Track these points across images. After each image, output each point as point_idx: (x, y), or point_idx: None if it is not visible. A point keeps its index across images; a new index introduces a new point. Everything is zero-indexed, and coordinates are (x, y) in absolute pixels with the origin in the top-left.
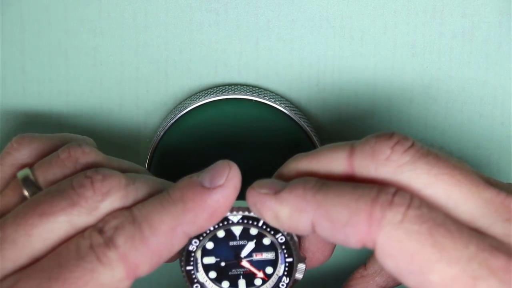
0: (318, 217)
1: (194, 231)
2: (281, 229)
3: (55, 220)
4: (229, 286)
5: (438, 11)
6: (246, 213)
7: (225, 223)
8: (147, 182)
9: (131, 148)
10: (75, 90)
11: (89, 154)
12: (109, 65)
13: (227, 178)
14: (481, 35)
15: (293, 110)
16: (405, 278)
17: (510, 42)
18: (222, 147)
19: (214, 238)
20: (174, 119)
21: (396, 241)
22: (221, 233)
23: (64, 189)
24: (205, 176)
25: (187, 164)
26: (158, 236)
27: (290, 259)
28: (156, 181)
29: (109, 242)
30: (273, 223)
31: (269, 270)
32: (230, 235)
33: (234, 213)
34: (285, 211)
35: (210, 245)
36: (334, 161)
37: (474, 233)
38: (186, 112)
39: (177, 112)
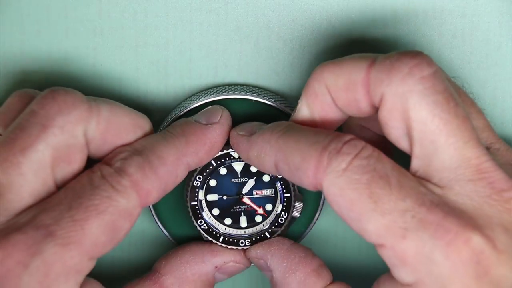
0: (278, 160)
1: (196, 163)
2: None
3: (36, 150)
4: (231, 222)
5: (438, 11)
6: None
7: (227, 159)
8: (106, 100)
9: None
10: (75, 90)
11: (38, 93)
12: (109, 65)
13: (221, 117)
14: (481, 35)
15: (293, 110)
16: (348, 223)
17: (510, 42)
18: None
19: (217, 176)
20: (174, 119)
21: (337, 188)
22: (223, 171)
23: (28, 119)
24: (200, 117)
25: None
26: (166, 166)
27: (288, 195)
28: (116, 102)
29: (120, 171)
30: (246, 161)
31: (268, 207)
32: (232, 172)
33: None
34: (253, 152)
35: (213, 183)
36: (354, 69)
37: (418, 189)
38: (186, 112)
39: (177, 112)
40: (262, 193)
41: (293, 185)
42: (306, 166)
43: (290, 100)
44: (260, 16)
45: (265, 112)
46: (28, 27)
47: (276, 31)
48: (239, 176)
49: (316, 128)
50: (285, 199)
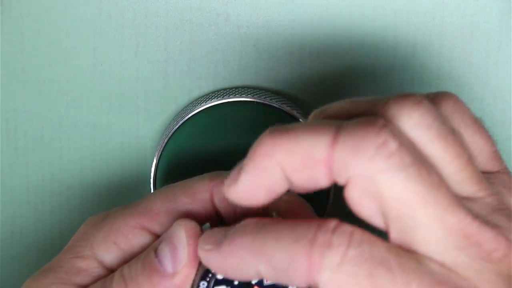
0: (260, 265)
1: None
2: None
3: None
4: None
5: (438, 11)
6: None
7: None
8: None
9: (131, 148)
10: (75, 90)
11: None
12: (109, 65)
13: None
14: (481, 35)
15: (294, 109)
16: None
17: (510, 42)
18: (226, 150)
19: None
20: (177, 126)
21: (336, 285)
22: None
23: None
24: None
25: (193, 170)
26: None
27: None
28: None
29: None
30: (224, 275)
31: None
32: None
33: None
34: (229, 264)
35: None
36: (314, 147)
37: (418, 268)
38: (188, 118)
39: (179, 118)
40: None
41: None
42: (296, 267)
43: (291, 100)
44: (260, 16)
45: (267, 113)
46: (28, 27)
47: (276, 31)
48: None
49: (288, 220)
50: None
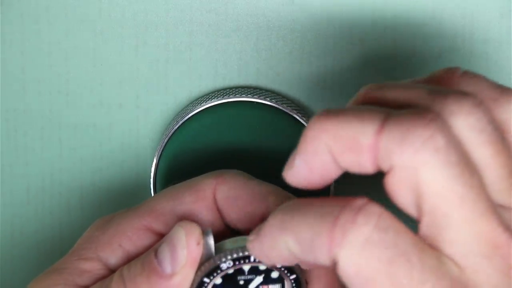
0: (288, 240)
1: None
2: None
3: None
4: None
5: (438, 11)
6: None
7: (237, 263)
8: None
9: (131, 148)
10: (75, 90)
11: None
12: (109, 65)
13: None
14: (481, 35)
15: (294, 109)
16: None
17: (510, 42)
18: (226, 150)
19: (224, 274)
20: (177, 126)
21: (354, 265)
22: (230, 271)
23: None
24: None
25: (193, 170)
26: None
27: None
28: None
29: None
30: (269, 264)
31: None
32: (239, 271)
33: (247, 261)
34: (266, 246)
35: (218, 280)
36: (360, 133)
37: (438, 268)
38: (188, 118)
39: (179, 118)
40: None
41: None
42: (319, 242)
43: (291, 100)
44: (260, 16)
45: (267, 113)
46: (28, 27)
47: (276, 31)
48: (246, 273)
49: (321, 198)
50: None
